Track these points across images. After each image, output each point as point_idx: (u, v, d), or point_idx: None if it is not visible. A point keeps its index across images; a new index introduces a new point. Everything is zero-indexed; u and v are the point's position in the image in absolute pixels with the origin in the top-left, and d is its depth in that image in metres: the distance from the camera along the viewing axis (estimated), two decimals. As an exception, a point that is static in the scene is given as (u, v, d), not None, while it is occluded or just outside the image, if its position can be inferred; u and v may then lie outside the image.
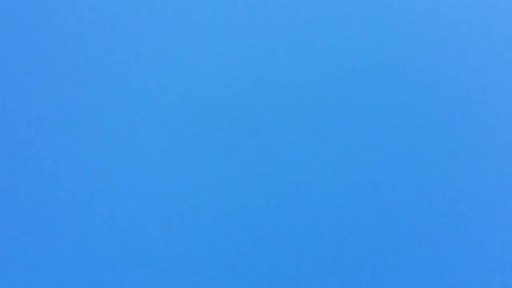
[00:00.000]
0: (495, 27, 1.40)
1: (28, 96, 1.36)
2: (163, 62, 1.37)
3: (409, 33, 1.39)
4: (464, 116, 1.38)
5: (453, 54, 1.39)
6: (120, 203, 1.34)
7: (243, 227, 1.34)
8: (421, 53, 1.39)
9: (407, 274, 1.34)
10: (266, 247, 1.34)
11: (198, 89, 1.37)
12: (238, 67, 1.38)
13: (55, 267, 1.32)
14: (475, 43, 1.40)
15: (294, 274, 1.34)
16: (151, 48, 1.38)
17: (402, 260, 1.34)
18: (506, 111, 1.38)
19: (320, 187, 1.35)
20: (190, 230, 1.34)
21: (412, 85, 1.38)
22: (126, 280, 1.33)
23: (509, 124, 1.37)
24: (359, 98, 1.37)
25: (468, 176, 1.36)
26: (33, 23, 1.38)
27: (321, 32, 1.39)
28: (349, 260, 1.34)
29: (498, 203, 1.36)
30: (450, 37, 1.40)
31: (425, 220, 1.35)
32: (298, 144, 1.36)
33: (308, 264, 1.34)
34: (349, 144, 1.36)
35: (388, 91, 1.38)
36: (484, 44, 1.40)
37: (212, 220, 1.34)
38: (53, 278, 1.32)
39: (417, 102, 1.37)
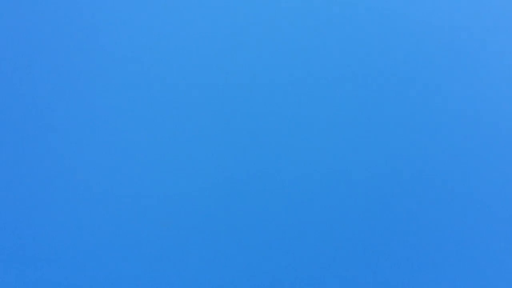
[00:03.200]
0: (494, 29, 1.41)
1: (28, 95, 1.36)
2: (162, 62, 1.38)
3: (408, 34, 1.39)
4: (463, 116, 1.38)
5: (452, 56, 1.39)
6: (119, 203, 1.34)
7: (242, 227, 1.35)
8: (419, 55, 1.39)
9: (406, 275, 1.34)
10: (265, 246, 1.34)
11: (197, 89, 1.37)
12: (238, 68, 1.38)
13: (54, 266, 1.32)
14: (474, 45, 1.40)
15: (293, 273, 1.34)
16: (151, 48, 1.38)
17: (401, 261, 1.35)
18: (506, 111, 1.38)
19: (318, 187, 1.35)
20: (188, 230, 1.34)
21: (410, 85, 1.38)
22: (124, 279, 1.33)
23: (509, 124, 1.38)
24: (358, 98, 1.38)
25: (467, 176, 1.37)
26: (34, 23, 1.38)
27: (320, 33, 1.39)
28: (348, 260, 1.34)
29: (498, 202, 1.36)
30: (449, 39, 1.40)
31: (424, 221, 1.35)
32: (296, 144, 1.36)
33: (307, 263, 1.34)
34: (347, 145, 1.36)
35: (387, 91, 1.38)
36: (484, 45, 1.40)
37: (210, 220, 1.34)
38: (52, 277, 1.32)
39: (415, 103, 1.38)
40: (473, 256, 1.35)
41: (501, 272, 1.34)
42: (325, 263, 1.34)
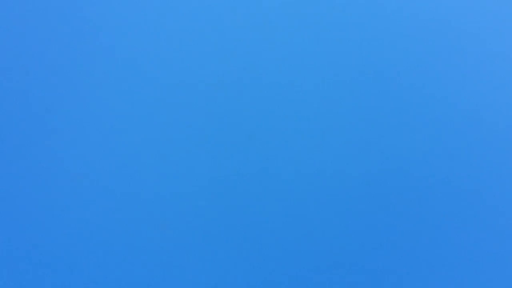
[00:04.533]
0: (494, 30, 1.41)
1: (28, 96, 1.36)
2: (161, 62, 1.38)
3: (407, 34, 1.39)
4: (461, 116, 1.38)
5: (452, 56, 1.39)
6: (118, 202, 1.34)
7: (241, 226, 1.35)
8: (418, 55, 1.39)
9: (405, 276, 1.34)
10: (263, 245, 1.34)
11: (197, 89, 1.38)
12: (238, 68, 1.38)
13: (53, 266, 1.32)
14: (474, 45, 1.40)
15: (292, 273, 1.34)
16: (151, 48, 1.38)
17: (400, 261, 1.34)
18: (505, 111, 1.38)
19: (318, 186, 1.35)
20: (188, 229, 1.34)
21: (408, 85, 1.38)
22: (123, 279, 1.33)
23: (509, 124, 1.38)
24: (357, 99, 1.38)
25: (467, 176, 1.37)
26: (34, 23, 1.38)
27: (320, 33, 1.39)
28: (346, 259, 1.34)
29: (498, 202, 1.36)
30: (449, 39, 1.40)
31: (423, 221, 1.35)
32: (296, 144, 1.36)
33: (305, 263, 1.34)
34: (346, 144, 1.36)
35: (388, 92, 1.38)
36: (484, 46, 1.40)
37: (209, 219, 1.34)
38: (51, 276, 1.33)
39: (413, 103, 1.37)
40: (473, 255, 1.34)
41: (501, 272, 1.34)
42: (324, 262, 1.34)
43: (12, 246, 1.33)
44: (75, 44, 1.38)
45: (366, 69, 1.38)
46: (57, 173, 1.35)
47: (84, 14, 1.39)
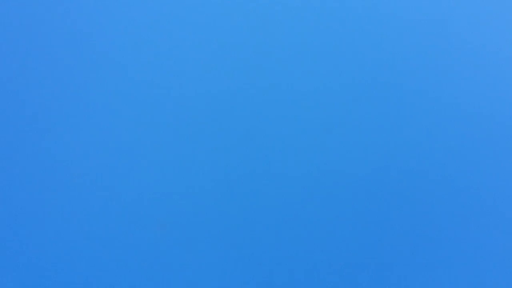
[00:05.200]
0: (494, 30, 1.41)
1: (28, 95, 1.36)
2: (162, 62, 1.38)
3: (407, 34, 1.40)
4: (461, 116, 1.38)
5: (451, 55, 1.39)
6: (118, 202, 1.34)
7: (240, 227, 1.35)
8: (421, 55, 1.39)
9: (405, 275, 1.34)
10: (263, 246, 1.34)
11: (197, 89, 1.38)
12: (238, 68, 1.38)
13: (53, 265, 1.32)
14: (474, 44, 1.40)
15: (293, 273, 1.34)
16: (151, 48, 1.38)
17: (399, 261, 1.35)
18: (505, 111, 1.38)
19: (318, 186, 1.35)
20: (187, 229, 1.34)
21: (408, 85, 1.38)
22: (124, 279, 1.33)
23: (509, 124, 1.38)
24: (358, 99, 1.38)
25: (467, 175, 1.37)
26: (34, 23, 1.38)
27: (319, 33, 1.39)
28: (346, 260, 1.34)
29: (497, 202, 1.36)
30: (449, 39, 1.40)
31: (423, 222, 1.35)
32: (296, 144, 1.36)
33: (305, 263, 1.34)
34: (346, 145, 1.36)
35: (388, 92, 1.38)
36: (484, 46, 1.40)
37: (209, 220, 1.34)
38: (51, 276, 1.33)
39: (413, 103, 1.38)
40: (473, 256, 1.35)
41: (501, 272, 1.34)
42: (323, 263, 1.34)
43: (11, 245, 1.33)
44: (74, 43, 1.38)
45: (366, 69, 1.38)
46: (57, 173, 1.34)
47: (84, 13, 1.39)
